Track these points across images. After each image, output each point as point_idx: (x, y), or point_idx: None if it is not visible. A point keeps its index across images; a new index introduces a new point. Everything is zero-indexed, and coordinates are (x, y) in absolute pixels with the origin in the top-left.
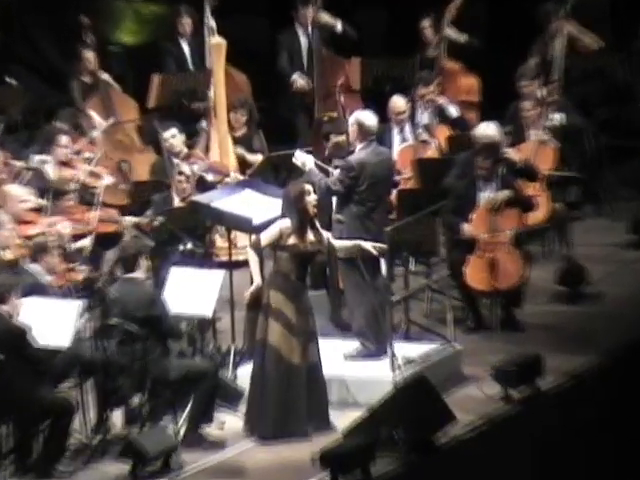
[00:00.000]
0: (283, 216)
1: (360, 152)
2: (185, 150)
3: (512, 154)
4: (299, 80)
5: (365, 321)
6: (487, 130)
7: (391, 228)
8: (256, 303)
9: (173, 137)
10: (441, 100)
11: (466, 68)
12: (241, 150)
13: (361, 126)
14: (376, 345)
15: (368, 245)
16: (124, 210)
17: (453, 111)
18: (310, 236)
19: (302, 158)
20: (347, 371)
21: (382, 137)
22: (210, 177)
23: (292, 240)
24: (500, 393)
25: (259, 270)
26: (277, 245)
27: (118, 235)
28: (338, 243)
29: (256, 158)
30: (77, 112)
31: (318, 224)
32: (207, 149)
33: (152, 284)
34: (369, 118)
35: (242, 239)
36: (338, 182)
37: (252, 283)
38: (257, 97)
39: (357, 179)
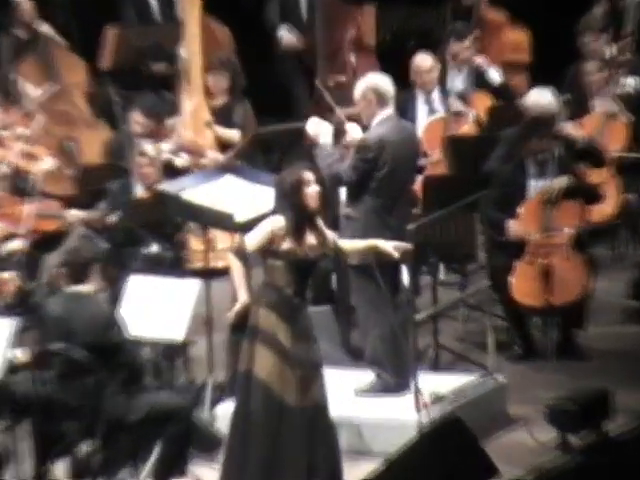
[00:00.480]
0: (275, 212)
1: (378, 128)
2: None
3: (572, 130)
4: (286, 36)
5: (382, 346)
6: (540, 99)
7: (415, 226)
8: (241, 325)
9: (142, 127)
10: (479, 60)
11: (513, 19)
12: (215, 126)
13: (377, 93)
14: (395, 377)
15: (388, 245)
16: (69, 202)
17: (495, 75)
18: (310, 238)
19: (318, 127)
20: (359, 411)
21: (403, 108)
22: (181, 160)
23: (287, 244)
24: (556, 439)
25: (245, 282)
26: (268, 250)
27: (61, 235)
28: (348, 245)
29: (232, 135)
30: (7, 75)
31: (321, 223)
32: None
33: (106, 299)
34: (386, 83)
35: (222, 240)
36: (352, 170)
37: (235, 299)
38: (243, 57)
39: (376, 162)
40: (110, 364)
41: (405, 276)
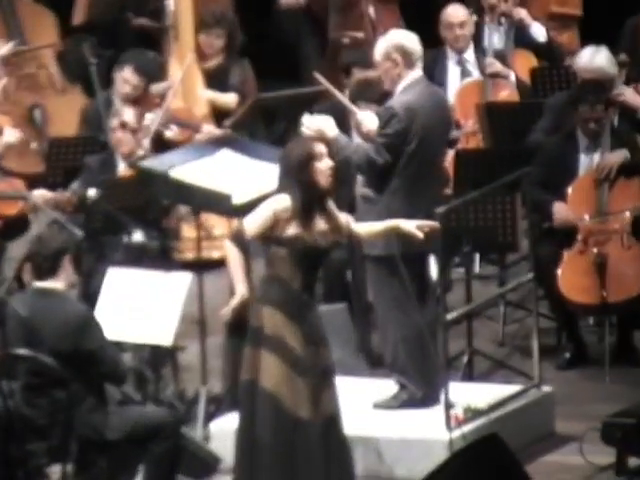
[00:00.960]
0: (279, 191)
1: (405, 93)
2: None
3: (631, 96)
4: None
5: (406, 352)
6: (594, 60)
7: (446, 209)
8: (240, 325)
9: (136, 89)
10: (521, 14)
11: None
12: (208, 91)
13: (403, 53)
14: (422, 388)
15: (410, 225)
16: (35, 181)
17: (540, 31)
18: (320, 223)
19: (320, 125)
20: (379, 428)
21: (431, 70)
22: (171, 132)
23: (293, 229)
24: (611, 459)
25: (243, 274)
26: (271, 237)
27: (25, 220)
28: (364, 229)
29: (228, 99)
30: None
31: (333, 205)
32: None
33: (79, 296)
34: (412, 40)
35: (218, 226)
36: (384, 148)
37: (233, 294)
38: (241, 9)
39: (406, 135)
40: (85, 374)
41: (433, 268)
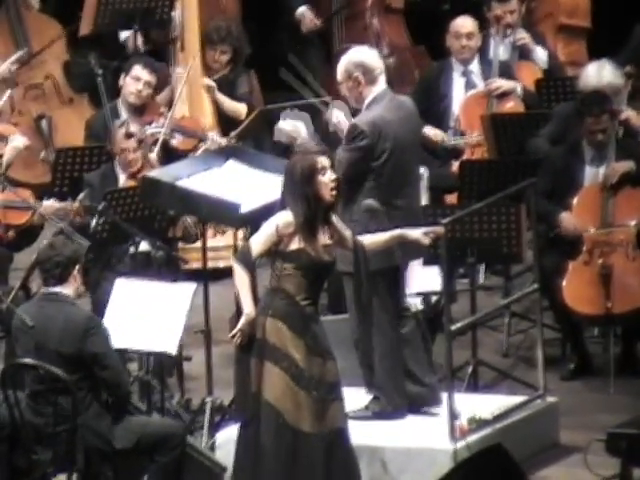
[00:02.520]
0: (283, 204)
1: (370, 109)
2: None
3: (635, 119)
4: (307, 17)
5: (383, 368)
6: (601, 76)
7: (450, 220)
8: (250, 343)
9: (148, 86)
10: (524, 40)
11: None
12: (219, 94)
13: (364, 69)
14: (394, 403)
15: (416, 233)
16: (43, 191)
17: (542, 56)
18: (324, 237)
19: (293, 128)
20: (383, 438)
21: (436, 81)
22: (176, 141)
23: (297, 243)
24: (616, 471)
25: (251, 294)
26: (276, 252)
27: (32, 231)
28: (368, 239)
29: (238, 108)
30: None
31: (336, 218)
32: (170, 100)
33: (87, 305)
34: (372, 55)
35: (224, 236)
36: (346, 164)
37: (238, 312)
38: (249, 21)
39: (372, 151)
40: (90, 379)
41: (437, 278)
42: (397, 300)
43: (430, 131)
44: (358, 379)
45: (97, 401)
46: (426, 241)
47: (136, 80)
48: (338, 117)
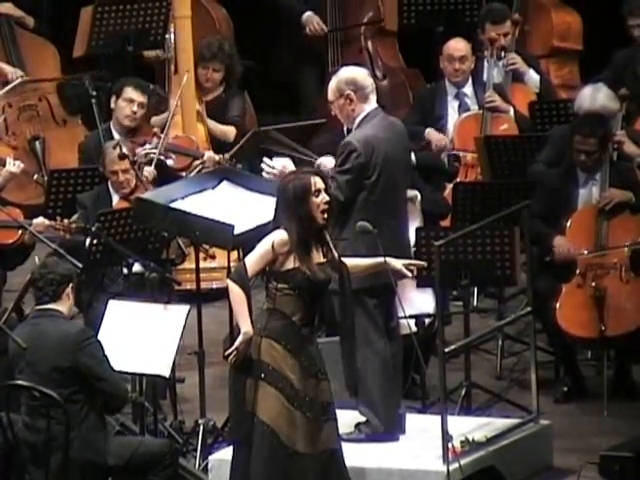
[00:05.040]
0: (277, 224)
1: (362, 128)
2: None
3: (630, 146)
4: (314, 21)
5: (372, 384)
6: (596, 99)
7: (443, 242)
8: (245, 363)
9: (141, 107)
10: (516, 64)
11: (562, 0)
12: (208, 120)
13: (356, 88)
14: (385, 423)
15: (398, 264)
16: (36, 213)
17: (533, 80)
18: (318, 256)
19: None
20: (377, 460)
21: (430, 103)
22: (172, 161)
23: (292, 263)
24: None
25: (247, 313)
26: (271, 272)
27: (24, 249)
28: (352, 262)
29: (226, 131)
30: None
31: (329, 238)
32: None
33: (80, 325)
34: (363, 74)
35: (217, 257)
36: (344, 185)
37: (232, 334)
38: (242, 42)
39: (366, 169)
40: (85, 391)
41: (431, 301)
42: (388, 318)
43: (434, 135)
44: (351, 401)
45: (93, 412)
46: (408, 273)
47: (129, 102)
48: (328, 162)
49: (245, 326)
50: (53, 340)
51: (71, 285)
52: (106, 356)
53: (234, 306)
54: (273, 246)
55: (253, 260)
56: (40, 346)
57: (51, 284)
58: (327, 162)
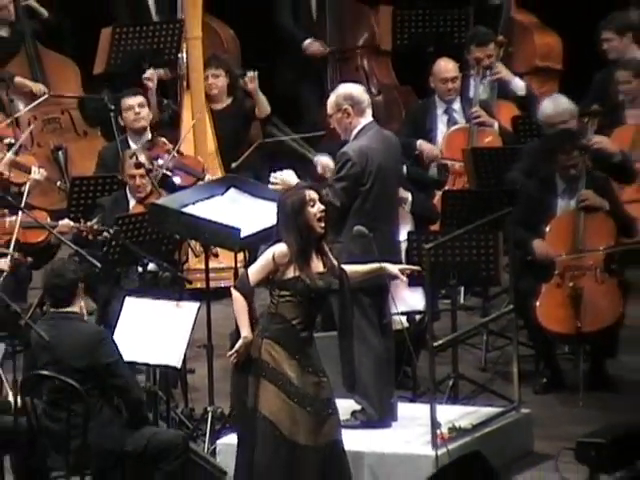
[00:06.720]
0: (278, 234)
1: (358, 139)
2: (149, 135)
3: (606, 143)
4: (314, 46)
5: (367, 377)
6: (558, 105)
7: (433, 245)
8: (247, 364)
9: (141, 107)
10: (501, 74)
11: (544, 22)
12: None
13: (353, 102)
14: (379, 411)
15: (394, 269)
16: (59, 216)
17: (520, 85)
18: (317, 265)
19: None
20: (371, 446)
21: (421, 118)
22: (178, 179)
23: (293, 272)
24: (584, 476)
25: (248, 319)
26: (273, 281)
27: (50, 248)
28: (350, 268)
29: (265, 102)
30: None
31: (327, 247)
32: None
33: (97, 322)
34: (360, 90)
35: (225, 259)
36: (341, 192)
37: (238, 329)
38: (248, 60)
39: (361, 177)
40: (100, 387)
41: (421, 299)
42: (382, 316)
43: (426, 146)
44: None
45: (108, 406)
46: (403, 278)
47: (129, 109)
48: (325, 162)
49: (245, 331)
50: (71, 342)
51: (81, 285)
52: (121, 355)
53: (236, 313)
54: (274, 258)
55: (255, 270)
56: (59, 347)
57: (62, 291)
58: (323, 159)
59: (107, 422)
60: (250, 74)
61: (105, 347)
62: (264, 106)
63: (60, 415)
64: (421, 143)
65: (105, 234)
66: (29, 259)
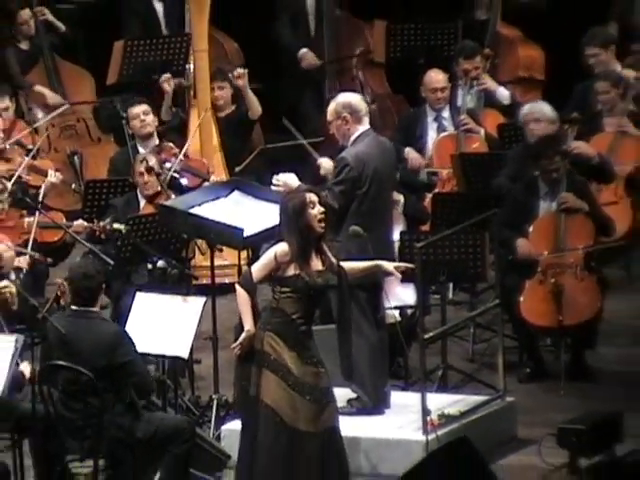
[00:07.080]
0: (279, 234)
1: (355, 145)
2: (156, 140)
3: (584, 148)
4: (308, 56)
5: (363, 367)
6: (535, 106)
7: (424, 244)
8: (249, 355)
9: (146, 114)
10: (487, 84)
11: (527, 36)
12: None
13: (352, 110)
14: (374, 399)
15: (390, 266)
16: (73, 217)
17: (505, 94)
18: (317, 263)
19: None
20: (365, 432)
21: (412, 126)
22: (185, 181)
23: (293, 270)
24: (565, 461)
25: (251, 314)
26: (275, 278)
27: (65, 247)
28: (348, 266)
29: (256, 102)
30: (18, 89)
31: (326, 246)
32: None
33: (111, 316)
34: (358, 99)
35: (229, 256)
36: (338, 195)
37: (241, 322)
38: (251, 71)
39: (358, 181)
40: (118, 384)
41: (413, 294)
42: (376, 310)
43: (412, 154)
44: (343, 381)
45: (121, 401)
46: (398, 275)
47: (135, 117)
48: (328, 165)
49: (248, 324)
50: (90, 342)
51: (101, 286)
52: (137, 352)
53: (239, 307)
54: (276, 256)
55: (258, 268)
56: (77, 344)
57: (88, 291)
58: (325, 162)
59: (119, 415)
60: (239, 70)
61: (124, 347)
62: (255, 106)
63: (75, 405)
64: (408, 151)
65: (119, 226)
66: (49, 259)
